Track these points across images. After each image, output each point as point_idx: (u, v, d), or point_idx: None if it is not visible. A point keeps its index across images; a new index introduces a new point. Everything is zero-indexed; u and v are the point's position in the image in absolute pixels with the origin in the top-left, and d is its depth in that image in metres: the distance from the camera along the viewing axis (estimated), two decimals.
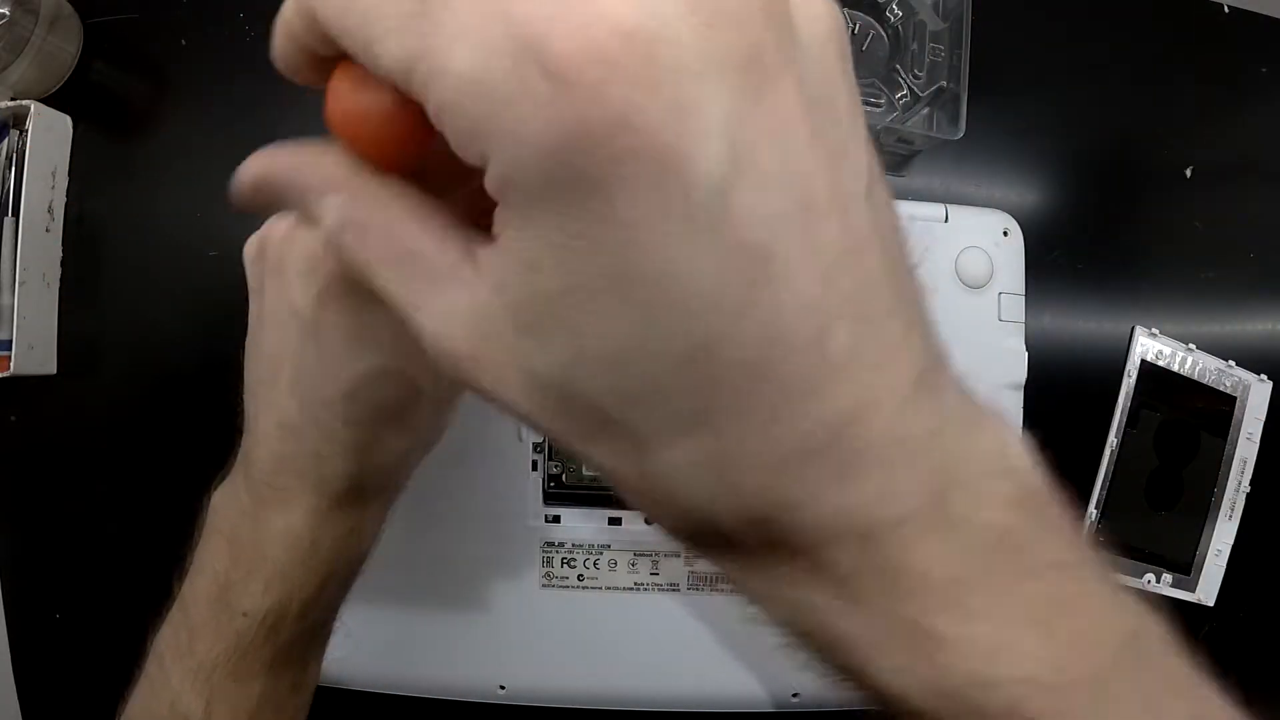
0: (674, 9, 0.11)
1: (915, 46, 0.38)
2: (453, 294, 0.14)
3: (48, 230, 0.41)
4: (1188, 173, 0.44)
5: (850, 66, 0.14)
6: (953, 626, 0.13)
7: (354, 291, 0.21)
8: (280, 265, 0.22)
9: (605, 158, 0.11)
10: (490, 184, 0.13)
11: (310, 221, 0.16)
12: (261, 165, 0.18)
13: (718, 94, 0.11)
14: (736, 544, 0.14)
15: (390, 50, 0.13)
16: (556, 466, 0.37)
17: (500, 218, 0.13)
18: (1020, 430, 0.38)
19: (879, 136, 0.39)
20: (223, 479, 0.27)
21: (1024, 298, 0.38)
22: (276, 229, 0.23)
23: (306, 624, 0.25)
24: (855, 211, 0.13)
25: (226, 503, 0.26)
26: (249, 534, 0.25)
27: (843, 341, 0.13)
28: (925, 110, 0.38)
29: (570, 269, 0.12)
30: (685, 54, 0.11)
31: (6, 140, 0.40)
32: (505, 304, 0.13)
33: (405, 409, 0.23)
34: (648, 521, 0.17)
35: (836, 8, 0.13)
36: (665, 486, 0.14)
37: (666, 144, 0.11)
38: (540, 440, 0.36)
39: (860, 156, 0.13)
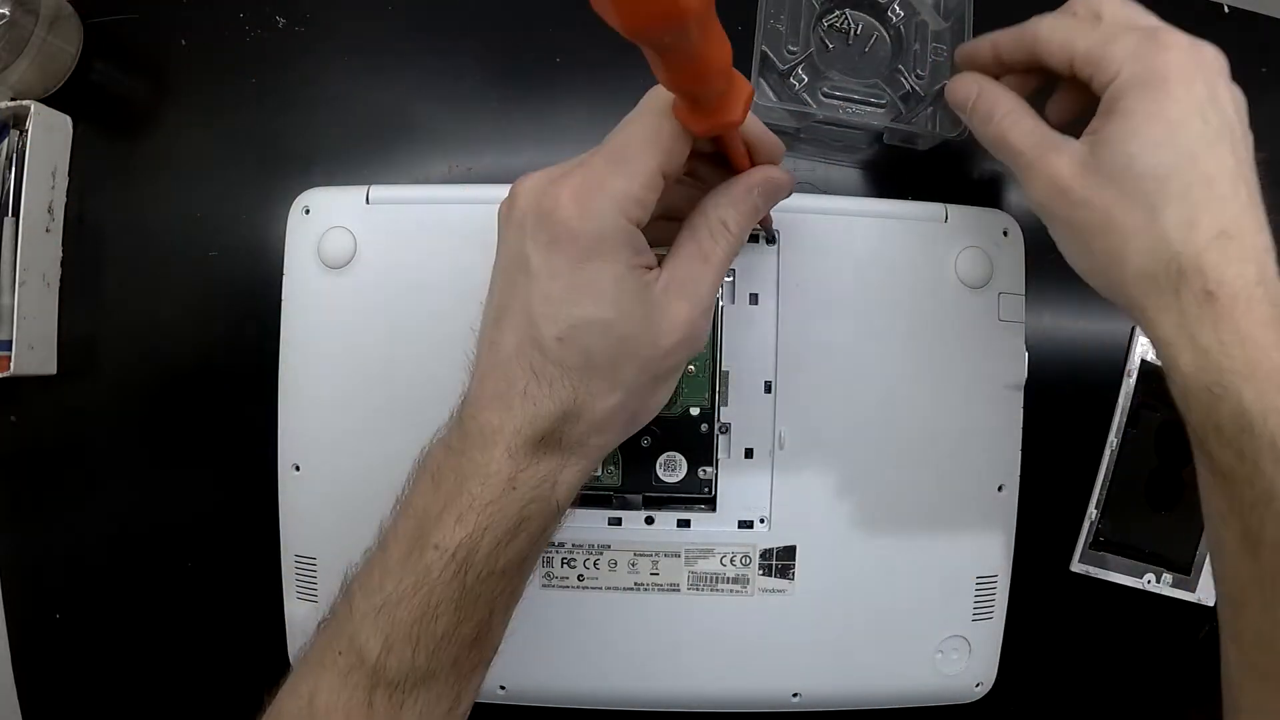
0: None
1: (917, 46, 0.38)
2: (1063, 148, 0.29)
3: (48, 230, 0.41)
4: None
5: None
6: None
7: (580, 244, 0.24)
8: (521, 217, 0.25)
9: (1172, 81, 0.27)
10: (1113, 89, 0.28)
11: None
12: (971, 87, 0.33)
13: (1202, 81, 0.28)
14: (1179, 288, 0.26)
15: (1082, 42, 0.29)
16: None
17: (1101, 116, 0.28)
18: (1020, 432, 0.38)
19: (881, 136, 0.39)
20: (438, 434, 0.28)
21: (1024, 298, 0.38)
22: (523, 186, 0.26)
23: (495, 568, 0.25)
24: (1248, 155, 0.28)
25: (438, 445, 0.27)
26: (452, 469, 0.26)
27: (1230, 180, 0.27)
28: (928, 110, 0.38)
29: (1142, 120, 0.27)
30: (1199, 70, 0.28)
31: (6, 140, 0.40)
32: (1099, 144, 0.28)
33: (614, 364, 0.25)
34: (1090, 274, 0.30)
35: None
36: (1163, 227, 0.26)
37: (1191, 84, 0.27)
38: None
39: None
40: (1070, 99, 0.32)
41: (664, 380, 0.28)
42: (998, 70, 0.33)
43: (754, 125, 0.28)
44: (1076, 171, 0.28)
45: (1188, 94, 0.26)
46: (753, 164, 0.29)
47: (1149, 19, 0.29)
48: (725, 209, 0.27)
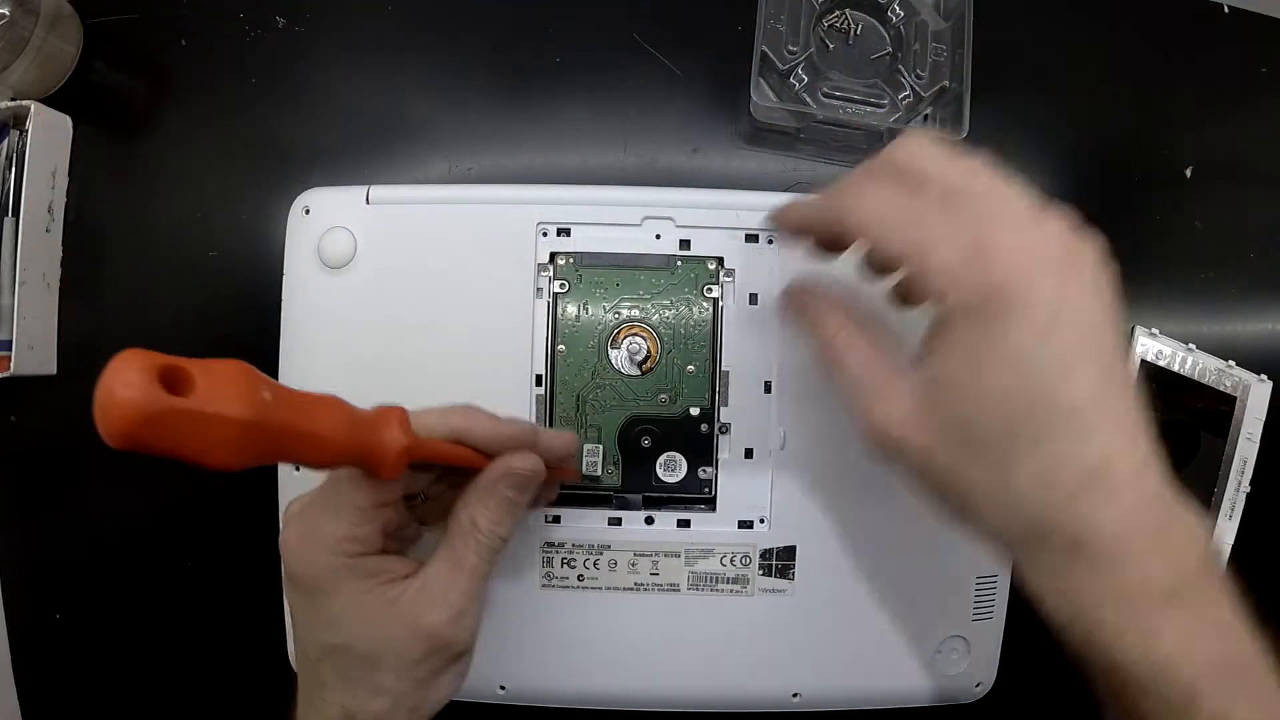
0: (1031, 265, 0.23)
1: (917, 47, 0.38)
2: (896, 388, 0.26)
3: (48, 230, 0.41)
4: (1188, 173, 0.44)
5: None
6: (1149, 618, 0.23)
7: (306, 586, 0.27)
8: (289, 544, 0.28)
9: (1007, 305, 0.23)
10: (941, 310, 0.24)
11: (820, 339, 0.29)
12: (799, 303, 0.31)
13: (1045, 288, 0.23)
14: (1043, 544, 0.23)
15: (897, 240, 0.24)
16: None
17: (934, 340, 0.25)
18: None
19: (882, 137, 0.39)
20: None
21: None
22: (289, 511, 0.28)
23: None
24: (1115, 355, 0.24)
25: None
26: None
27: (1097, 415, 0.23)
28: (928, 110, 0.38)
29: (978, 361, 0.23)
30: (1038, 276, 0.23)
31: (6, 140, 0.40)
32: (932, 386, 0.25)
33: (368, 675, 0.27)
34: (955, 515, 0.26)
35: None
36: (1018, 489, 0.23)
37: (1030, 299, 0.23)
38: None
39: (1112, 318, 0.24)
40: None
41: (434, 678, 0.28)
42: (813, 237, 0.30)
43: (479, 426, 0.28)
44: (910, 420, 0.25)
45: (1030, 319, 0.23)
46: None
47: (980, 183, 0.25)
48: (473, 506, 0.28)
